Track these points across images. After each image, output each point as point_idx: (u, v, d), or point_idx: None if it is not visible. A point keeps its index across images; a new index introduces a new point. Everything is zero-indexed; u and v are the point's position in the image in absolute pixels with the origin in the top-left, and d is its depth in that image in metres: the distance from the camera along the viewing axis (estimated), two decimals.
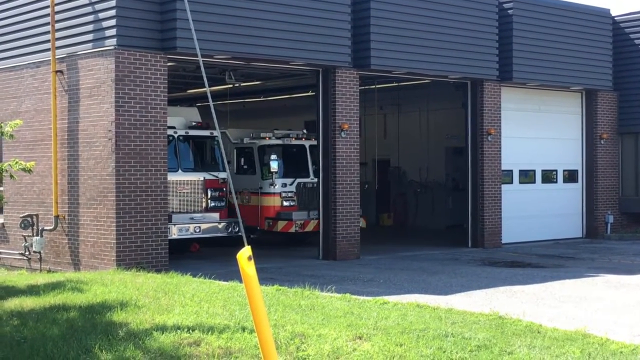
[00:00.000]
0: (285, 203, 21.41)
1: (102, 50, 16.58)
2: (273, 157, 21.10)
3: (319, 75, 19.80)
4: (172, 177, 18.25)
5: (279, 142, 22.17)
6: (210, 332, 9.73)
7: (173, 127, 19.05)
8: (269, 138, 22.18)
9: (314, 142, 20.76)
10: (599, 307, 13.02)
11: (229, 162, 22.51)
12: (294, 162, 22.24)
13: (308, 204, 21.39)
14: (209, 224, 19.16)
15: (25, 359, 8.88)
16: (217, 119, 7.68)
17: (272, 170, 21.06)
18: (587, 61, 24.58)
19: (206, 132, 20.21)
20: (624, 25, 25.95)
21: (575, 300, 13.75)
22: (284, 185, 21.53)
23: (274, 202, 21.61)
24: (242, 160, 22.46)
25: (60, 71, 17.59)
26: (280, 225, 21.24)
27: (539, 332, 10.35)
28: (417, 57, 20.71)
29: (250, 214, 21.69)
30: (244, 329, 9.89)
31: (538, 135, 24.55)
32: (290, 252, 21.06)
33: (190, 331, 9.79)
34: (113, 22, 16.37)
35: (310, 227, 21.10)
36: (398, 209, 30.38)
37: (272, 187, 21.59)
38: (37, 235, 18.09)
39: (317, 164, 20.10)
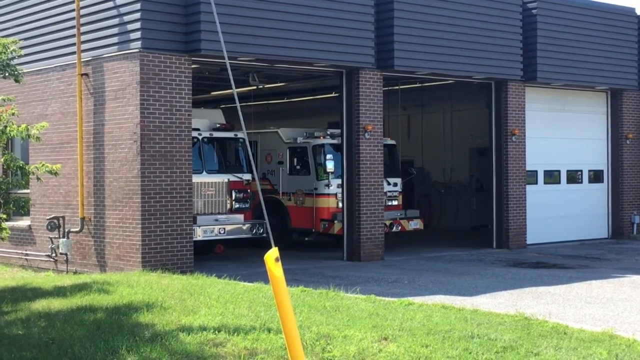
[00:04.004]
0: (341, 204, 20.36)
1: (127, 53, 16.69)
2: (329, 156, 20.72)
3: (343, 76, 19.81)
4: (196, 178, 18.30)
5: (334, 141, 21.36)
6: (236, 333, 9.77)
7: (197, 129, 19.11)
8: (324, 137, 21.52)
9: None
10: (625, 308, 12.94)
11: (281, 163, 22.02)
12: None
13: None
14: (234, 225, 19.20)
15: None
16: (241, 120, 7.72)
17: (328, 170, 20.67)
18: (612, 60, 24.41)
19: (230, 134, 20.27)
20: None
21: (602, 301, 13.67)
22: (340, 185, 20.56)
23: (330, 203, 20.97)
24: (296, 160, 21.83)
25: (86, 74, 17.72)
26: (337, 227, 20.42)
27: (565, 333, 10.30)
28: (441, 58, 20.66)
29: (304, 216, 21.33)
30: (269, 330, 9.91)
31: (563, 135, 24.41)
32: (315, 254, 21.06)
33: (216, 332, 9.83)
34: (138, 25, 16.47)
35: None
36: (422, 209, 30.27)
37: (328, 187, 20.96)
38: (63, 237, 18.23)
39: None
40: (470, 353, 9.17)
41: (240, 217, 19.62)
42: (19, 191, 16.22)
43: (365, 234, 19.59)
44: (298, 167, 21.80)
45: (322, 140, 21.48)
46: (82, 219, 17.77)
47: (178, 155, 16.73)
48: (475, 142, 27.55)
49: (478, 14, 21.22)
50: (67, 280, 15.16)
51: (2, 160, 13.32)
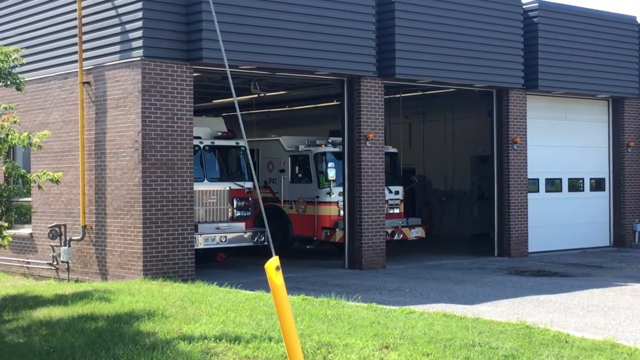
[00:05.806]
0: (343, 212, 20.28)
1: (128, 62, 16.71)
2: (330, 164, 20.81)
3: (344, 84, 19.83)
4: (198, 187, 18.32)
5: (336, 149, 21.36)
6: (237, 342, 9.76)
7: (199, 137, 19.12)
8: (325, 145, 21.59)
9: None
10: (627, 317, 12.92)
11: (282, 171, 22.08)
12: None
13: None
14: (235, 233, 19.20)
15: None
16: (242, 129, 7.73)
17: (329, 178, 20.73)
18: (614, 69, 24.43)
19: (232, 142, 20.28)
20: None
21: (604, 309, 13.65)
22: (341, 194, 20.43)
23: (331, 211, 21.02)
24: (297, 168, 21.89)
25: (88, 82, 17.74)
26: (339, 235, 20.42)
27: (566, 341, 10.29)
28: (442, 66, 20.68)
29: (306, 224, 21.36)
30: (270, 339, 9.91)
31: (564, 143, 24.42)
32: (316, 262, 21.05)
33: (217, 341, 9.83)
34: (139, 33, 16.50)
35: None
36: (423, 218, 30.25)
37: (329, 195, 21.02)
38: (64, 245, 18.23)
39: None
40: None
41: (242, 225, 19.62)
42: (20, 199, 16.23)
43: (367, 242, 19.57)
44: (299, 175, 21.84)
45: (323, 149, 21.50)
46: (84, 227, 17.78)
47: (179, 164, 16.74)
48: (477, 150, 27.57)
49: (479, 22, 21.25)
50: (68, 288, 15.16)
51: (3, 168, 13.34)
